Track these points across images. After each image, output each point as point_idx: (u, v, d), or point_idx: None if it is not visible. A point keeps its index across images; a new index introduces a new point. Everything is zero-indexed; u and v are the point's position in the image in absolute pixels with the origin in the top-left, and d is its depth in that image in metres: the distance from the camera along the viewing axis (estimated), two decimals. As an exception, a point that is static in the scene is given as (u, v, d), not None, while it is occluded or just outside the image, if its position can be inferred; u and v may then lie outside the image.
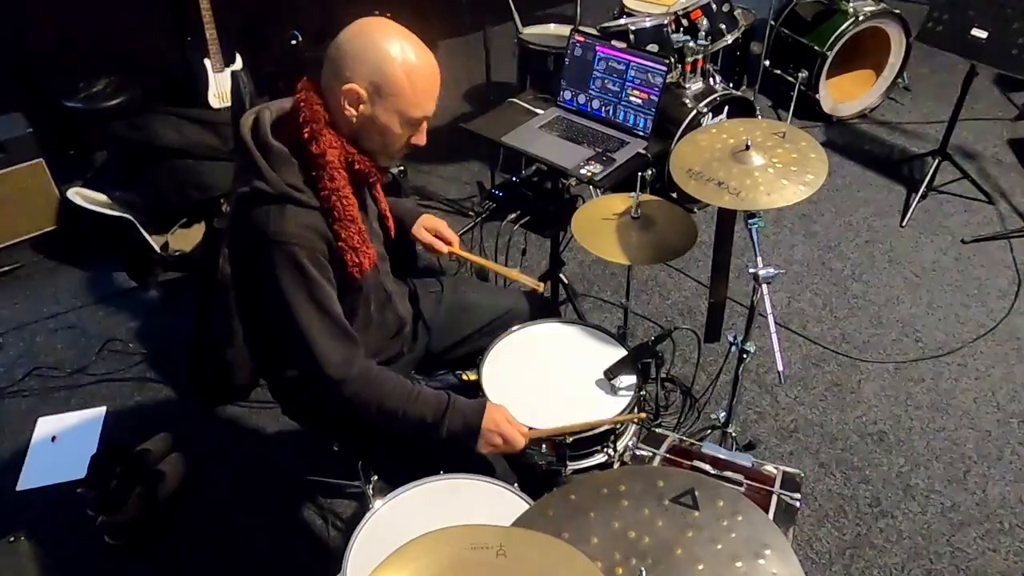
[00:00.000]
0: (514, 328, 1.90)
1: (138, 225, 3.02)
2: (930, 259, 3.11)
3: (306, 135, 1.45)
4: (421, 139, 1.54)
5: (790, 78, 3.77)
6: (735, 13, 3.43)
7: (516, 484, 1.57)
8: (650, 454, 1.77)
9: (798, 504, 1.66)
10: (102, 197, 3.17)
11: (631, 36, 3.07)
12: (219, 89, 3.55)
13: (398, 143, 1.52)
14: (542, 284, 1.97)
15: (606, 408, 1.71)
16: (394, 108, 1.45)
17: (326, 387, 1.53)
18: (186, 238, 3.19)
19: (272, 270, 1.46)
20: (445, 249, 1.93)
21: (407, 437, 1.58)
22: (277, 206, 1.44)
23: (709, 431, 2.34)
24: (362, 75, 1.42)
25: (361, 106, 1.44)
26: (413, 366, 1.96)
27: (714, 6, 3.30)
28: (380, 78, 1.42)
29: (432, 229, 1.94)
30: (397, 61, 1.41)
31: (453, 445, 1.57)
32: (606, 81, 2.56)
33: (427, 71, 1.45)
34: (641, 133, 2.53)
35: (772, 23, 3.78)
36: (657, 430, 1.89)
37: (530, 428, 1.61)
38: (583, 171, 2.37)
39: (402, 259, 1.90)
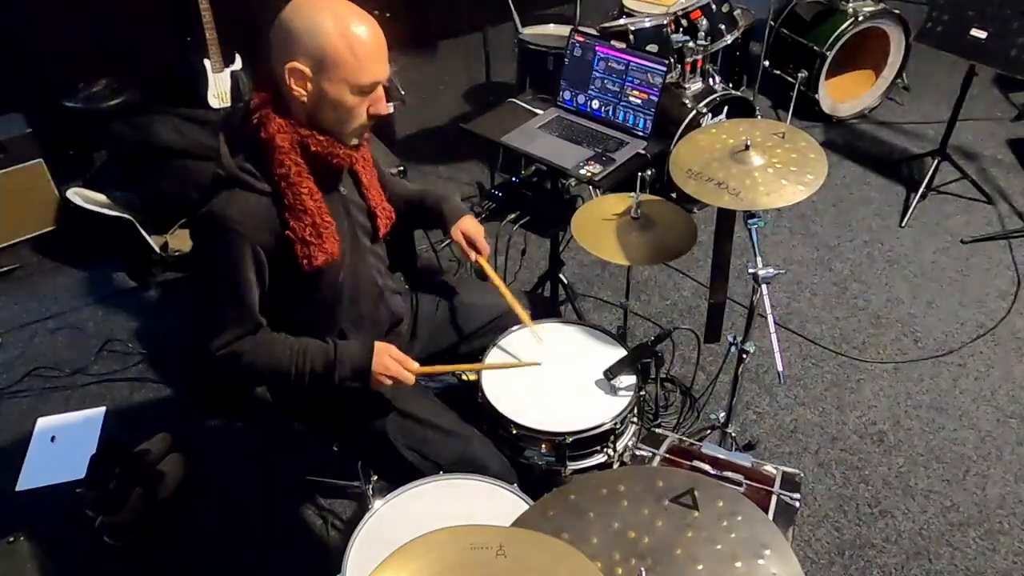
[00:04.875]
0: (514, 328, 1.91)
1: (138, 225, 3.02)
2: (930, 259, 3.11)
3: (255, 121, 1.46)
4: (381, 107, 1.51)
5: (790, 78, 3.78)
6: (735, 13, 3.43)
7: (516, 484, 1.57)
8: (650, 454, 1.77)
9: (798, 504, 1.67)
10: (102, 197, 3.17)
11: (631, 36, 3.07)
12: (219, 89, 3.55)
13: (355, 116, 1.49)
14: (533, 325, 1.90)
15: (606, 408, 1.71)
16: (340, 78, 1.42)
17: (208, 357, 1.55)
18: (186, 238, 3.18)
19: (200, 242, 1.54)
20: (474, 257, 1.90)
21: (306, 389, 1.63)
22: (228, 191, 1.47)
23: (709, 431, 2.34)
24: (302, 51, 1.41)
25: (308, 83, 1.43)
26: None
27: (714, 6, 3.30)
28: (320, 51, 1.40)
29: (467, 234, 1.90)
30: (333, 31, 1.39)
31: (349, 388, 1.62)
32: (606, 81, 2.56)
33: (367, 35, 1.42)
34: (641, 133, 2.52)
35: (772, 23, 3.78)
36: (657, 430, 1.90)
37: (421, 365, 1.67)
38: (583, 171, 2.37)
39: (401, 255, 1.89)
